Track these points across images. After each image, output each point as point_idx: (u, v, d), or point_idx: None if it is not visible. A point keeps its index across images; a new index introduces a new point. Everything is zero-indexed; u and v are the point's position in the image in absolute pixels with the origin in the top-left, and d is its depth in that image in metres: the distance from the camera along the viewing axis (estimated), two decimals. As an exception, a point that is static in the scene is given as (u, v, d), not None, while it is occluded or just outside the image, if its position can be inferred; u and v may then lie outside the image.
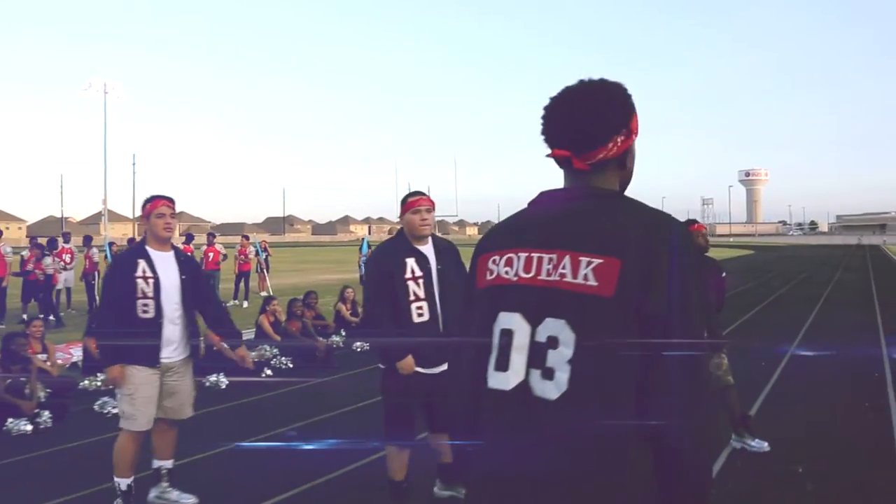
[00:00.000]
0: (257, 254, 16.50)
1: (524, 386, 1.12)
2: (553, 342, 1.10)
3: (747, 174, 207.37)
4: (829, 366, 7.01)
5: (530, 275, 1.17)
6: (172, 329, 3.65)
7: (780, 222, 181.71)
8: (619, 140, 1.23)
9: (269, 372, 7.17)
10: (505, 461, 1.13)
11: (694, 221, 4.38)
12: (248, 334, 8.76)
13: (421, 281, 3.30)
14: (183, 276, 3.70)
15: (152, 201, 3.70)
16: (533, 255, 1.18)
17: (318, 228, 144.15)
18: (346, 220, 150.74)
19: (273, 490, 3.80)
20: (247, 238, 15.88)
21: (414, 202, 3.38)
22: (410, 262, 3.31)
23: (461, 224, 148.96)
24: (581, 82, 1.26)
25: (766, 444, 4.23)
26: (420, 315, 3.27)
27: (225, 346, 7.11)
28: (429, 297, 3.29)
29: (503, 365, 1.15)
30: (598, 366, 1.07)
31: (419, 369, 3.30)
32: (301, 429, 5.09)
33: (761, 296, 14.86)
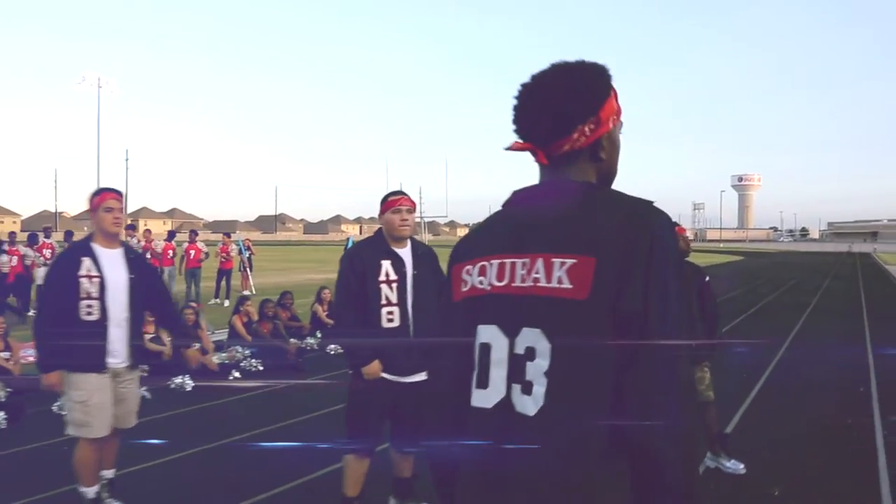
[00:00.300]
0: (240, 252, 16.28)
1: (506, 402, 1.06)
2: (531, 353, 1.04)
3: (740, 179, 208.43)
4: (812, 379, 6.84)
5: (504, 283, 1.10)
6: (118, 332, 3.42)
7: (771, 228, 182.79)
8: (586, 129, 1.13)
9: (237, 374, 6.93)
10: (486, 482, 1.08)
11: (675, 224, 4.17)
12: (222, 334, 8.56)
13: (395, 285, 3.16)
14: (131, 276, 3.47)
15: (100, 194, 3.44)
16: (506, 261, 1.11)
17: (309, 227, 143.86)
18: (337, 220, 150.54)
19: (233, 497, 3.62)
20: (228, 236, 15.64)
21: (395, 201, 3.23)
22: (386, 265, 3.18)
23: (452, 225, 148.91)
24: (551, 66, 1.17)
25: (741, 465, 4.04)
26: (390, 321, 3.13)
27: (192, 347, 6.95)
28: (401, 302, 3.15)
29: (483, 382, 1.10)
30: (575, 376, 1.00)
31: (387, 375, 3.16)
32: (261, 435, 4.87)
33: (749, 303, 14.74)
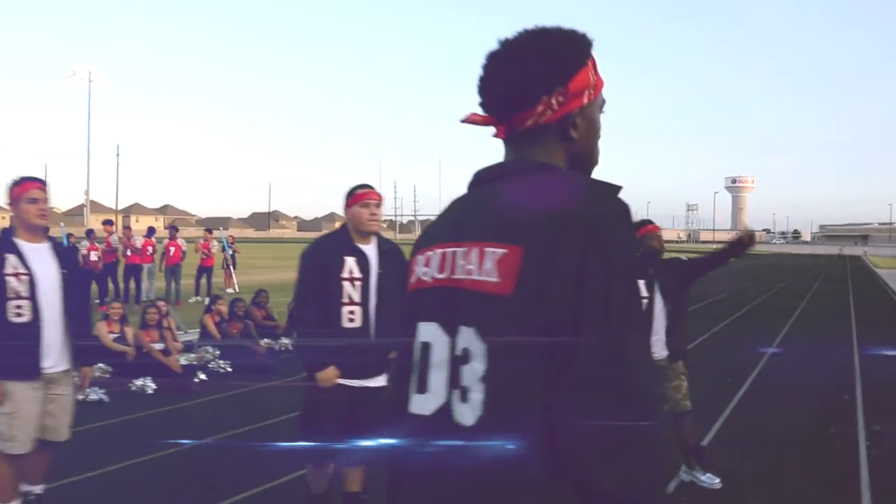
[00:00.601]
0: (224, 249, 16.03)
1: (445, 410, 0.93)
2: (466, 356, 0.91)
3: (734, 181, 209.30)
4: (797, 385, 6.65)
5: (444, 274, 0.98)
6: (53, 333, 3.17)
7: (763, 230, 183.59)
8: (553, 102, 0.98)
9: (202, 376, 6.68)
10: (424, 496, 0.96)
11: (648, 222, 3.98)
12: (194, 334, 8.31)
13: (358, 283, 3.00)
14: (63, 271, 3.22)
15: (21, 184, 3.15)
16: (447, 250, 0.99)
17: (303, 224, 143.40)
18: (331, 217, 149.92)
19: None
20: (210, 232, 15.35)
21: (363, 194, 3.07)
22: (350, 262, 3.01)
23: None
24: (521, 30, 1.03)
25: (717, 480, 3.83)
26: (351, 320, 2.98)
27: (154, 347, 6.70)
28: (364, 301, 3.00)
29: (422, 386, 0.97)
30: (512, 384, 0.86)
31: (343, 381, 2.99)
32: (221, 439, 4.67)
33: (737, 305, 14.59)
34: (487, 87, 1.03)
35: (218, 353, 7.32)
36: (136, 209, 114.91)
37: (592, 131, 1.04)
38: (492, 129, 1.05)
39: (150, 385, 6.12)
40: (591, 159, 1.06)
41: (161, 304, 7.62)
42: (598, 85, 1.03)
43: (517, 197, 0.94)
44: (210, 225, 23.77)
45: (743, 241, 4.00)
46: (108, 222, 14.24)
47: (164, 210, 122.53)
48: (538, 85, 0.98)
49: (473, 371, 0.90)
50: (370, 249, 3.08)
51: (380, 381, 3.06)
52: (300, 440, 3.13)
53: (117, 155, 56.44)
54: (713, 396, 5.93)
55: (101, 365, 6.56)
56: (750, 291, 18.56)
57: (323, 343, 2.96)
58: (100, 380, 6.32)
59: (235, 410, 5.57)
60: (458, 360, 0.93)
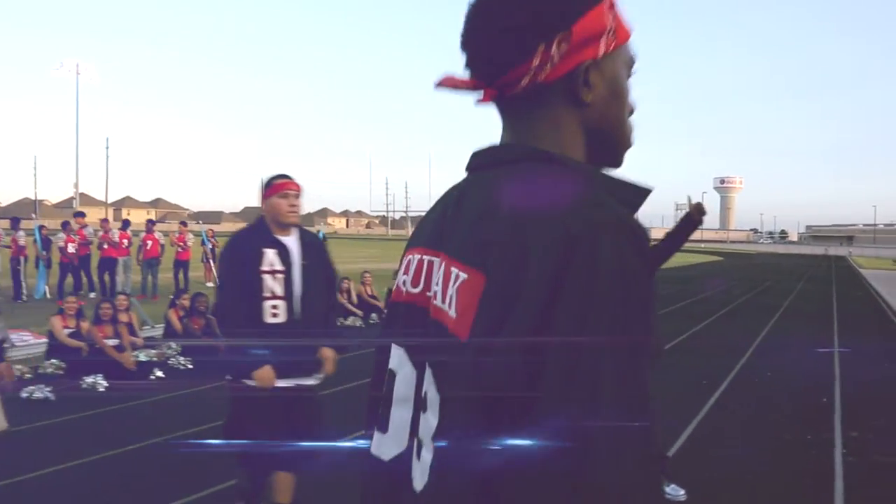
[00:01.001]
0: (203, 243, 15.74)
1: (403, 461, 0.72)
2: (426, 401, 0.70)
3: (722, 181, 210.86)
4: (775, 387, 6.48)
5: (418, 289, 0.77)
6: None
7: (751, 230, 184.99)
8: (553, 51, 0.70)
9: (159, 374, 6.41)
10: None
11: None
12: (159, 329, 8.03)
13: (280, 276, 2.84)
14: None
15: None
16: (425, 257, 0.77)
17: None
18: (324, 213, 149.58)
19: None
20: (185, 224, 15.02)
21: (282, 184, 2.93)
22: (270, 254, 2.85)
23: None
24: None
25: (682, 491, 3.62)
26: (275, 315, 2.82)
27: (108, 343, 6.41)
28: (287, 295, 2.84)
29: (384, 423, 0.78)
30: (454, 459, 0.64)
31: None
32: (171, 439, 4.43)
33: (721, 303, 14.47)
34: (469, 37, 0.76)
35: (179, 349, 7.05)
36: (127, 202, 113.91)
37: (616, 94, 0.76)
38: (479, 96, 0.77)
39: (101, 383, 5.84)
40: (617, 135, 0.77)
41: (121, 298, 7.34)
42: (619, 32, 0.74)
43: (495, 199, 0.69)
44: (201, 219, 23.41)
45: (693, 219, 3.77)
46: (79, 214, 13.89)
47: (155, 203, 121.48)
48: (532, 28, 0.70)
49: (428, 424, 0.69)
50: (291, 241, 2.93)
51: (312, 379, 2.92)
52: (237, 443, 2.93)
53: (107, 148, 55.75)
54: (688, 398, 5.73)
55: (53, 361, 6.29)
56: (735, 290, 18.47)
57: (252, 341, 2.75)
58: (51, 376, 6.05)
59: (188, 410, 5.30)
60: (419, 403, 0.72)
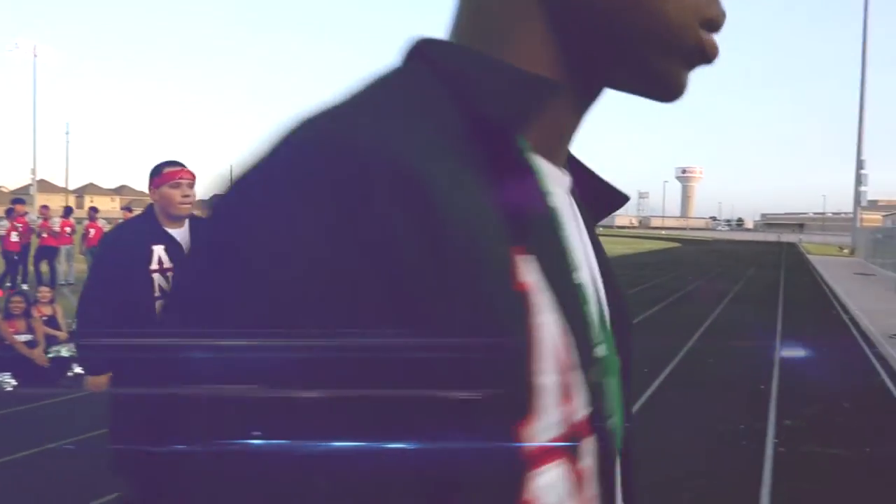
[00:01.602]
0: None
1: None
2: None
3: (683, 171, 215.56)
4: (714, 374, 6.47)
5: None
6: None
7: (710, 218, 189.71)
8: None
9: (79, 370, 6.03)
10: None
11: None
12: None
13: (170, 275, 2.61)
14: None
15: None
16: None
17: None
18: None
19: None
20: (129, 210, 14.45)
21: (174, 173, 2.66)
22: (158, 250, 2.59)
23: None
24: None
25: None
26: None
27: (17, 339, 6.00)
28: None
29: None
30: None
31: None
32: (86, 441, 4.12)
33: (671, 290, 14.61)
34: None
35: (104, 343, 6.67)
36: (90, 189, 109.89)
37: None
38: None
39: (9, 381, 5.46)
40: (616, 25, 0.42)
41: (44, 290, 6.90)
42: None
43: None
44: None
45: None
46: (18, 201, 13.18)
47: (120, 190, 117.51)
48: None
49: None
50: (182, 234, 2.66)
51: None
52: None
53: (67, 133, 53.50)
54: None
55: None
56: (687, 276, 18.73)
57: (110, 344, 2.49)
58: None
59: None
60: None
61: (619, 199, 0.56)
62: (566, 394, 0.38)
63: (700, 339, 8.47)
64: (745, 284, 17.04)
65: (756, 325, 9.91)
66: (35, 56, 46.62)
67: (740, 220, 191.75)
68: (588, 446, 0.41)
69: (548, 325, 0.37)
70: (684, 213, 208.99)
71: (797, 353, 7.60)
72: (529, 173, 0.39)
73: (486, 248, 0.34)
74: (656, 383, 6.06)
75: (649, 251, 32.72)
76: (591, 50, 0.43)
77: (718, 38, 0.45)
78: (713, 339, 8.41)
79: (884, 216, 43.20)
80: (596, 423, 0.41)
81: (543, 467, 0.37)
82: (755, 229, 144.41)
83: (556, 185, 0.44)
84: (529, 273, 0.37)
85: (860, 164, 36.47)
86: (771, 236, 75.23)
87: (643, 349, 7.37)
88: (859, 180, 36.60)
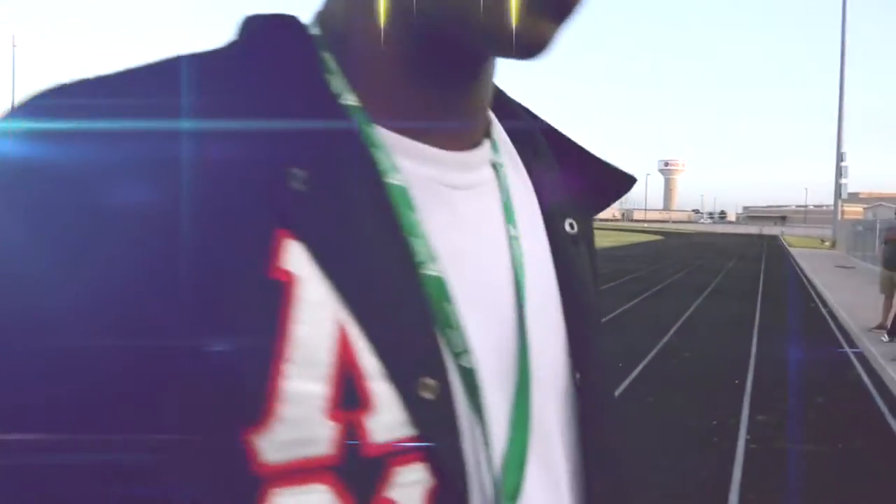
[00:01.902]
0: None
1: None
2: None
3: (666, 164, 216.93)
4: (690, 368, 6.38)
5: None
6: None
7: (693, 210, 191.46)
8: None
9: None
10: None
11: None
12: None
13: None
14: None
15: None
16: None
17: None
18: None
19: None
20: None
21: None
22: None
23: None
24: None
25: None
26: None
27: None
28: None
29: None
30: None
31: None
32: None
33: (650, 283, 14.57)
34: None
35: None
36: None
37: None
38: None
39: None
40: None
41: None
42: None
43: None
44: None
45: None
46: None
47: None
48: None
49: None
50: None
51: None
52: None
53: None
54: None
55: None
56: (668, 269, 18.74)
57: None
58: None
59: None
60: None
61: (627, 181, 0.54)
62: (347, 406, 0.32)
63: (676, 333, 8.38)
64: (724, 277, 17.08)
65: (734, 318, 9.86)
66: (14, 46, 46.86)
67: (723, 212, 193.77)
68: (406, 476, 0.33)
69: (318, 323, 0.32)
70: (667, 205, 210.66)
71: (773, 347, 7.54)
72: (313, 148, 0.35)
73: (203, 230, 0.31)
74: (629, 378, 5.94)
75: (632, 244, 32.81)
76: (427, 7, 0.35)
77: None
78: (690, 333, 8.34)
79: (865, 208, 43.69)
80: (432, 450, 0.34)
81: (289, 488, 0.31)
82: (738, 222, 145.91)
83: (418, 161, 0.39)
84: (296, 261, 0.33)
85: (840, 157, 36.80)
86: (753, 229, 76.06)
87: (619, 342, 7.27)
88: (840, 172, 36.93)
